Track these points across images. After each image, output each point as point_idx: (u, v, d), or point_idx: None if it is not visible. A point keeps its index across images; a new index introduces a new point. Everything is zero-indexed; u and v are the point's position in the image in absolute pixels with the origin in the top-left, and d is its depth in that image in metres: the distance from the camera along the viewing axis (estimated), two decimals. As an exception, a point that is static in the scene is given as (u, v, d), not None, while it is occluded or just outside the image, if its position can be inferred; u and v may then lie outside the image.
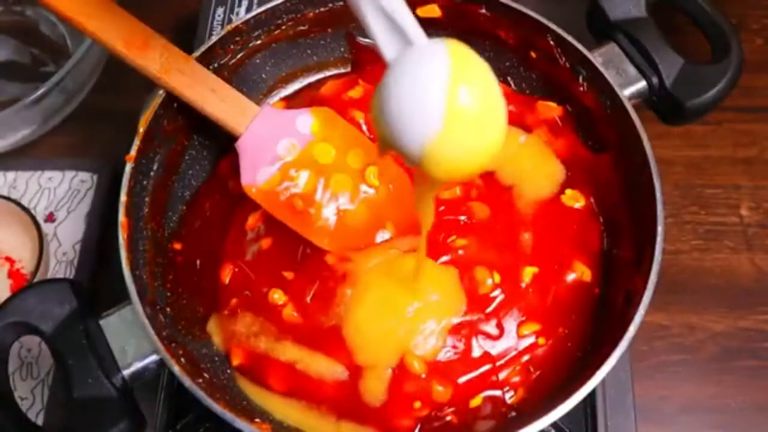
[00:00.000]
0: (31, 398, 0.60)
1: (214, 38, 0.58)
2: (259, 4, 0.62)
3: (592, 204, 0.57)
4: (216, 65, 0.59)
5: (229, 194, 0.59)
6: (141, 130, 0.54)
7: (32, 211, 0.64)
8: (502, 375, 0.51)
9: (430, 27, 0.62)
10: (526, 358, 0.51)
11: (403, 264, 0.52)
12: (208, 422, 0.55)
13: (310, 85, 0.66)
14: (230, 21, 0.73)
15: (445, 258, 0.53)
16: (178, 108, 0.56)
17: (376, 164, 0.56)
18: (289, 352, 0.51)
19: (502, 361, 0.51)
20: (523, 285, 0.52)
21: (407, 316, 0.50)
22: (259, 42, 0.61)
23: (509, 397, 0.51)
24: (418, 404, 0.50)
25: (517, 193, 0.57)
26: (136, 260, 0.52)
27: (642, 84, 0.57)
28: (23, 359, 0.62)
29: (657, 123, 0.59)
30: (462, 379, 0.50)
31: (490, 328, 0.51)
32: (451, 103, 0.34)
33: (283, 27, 0.62)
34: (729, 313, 0.63)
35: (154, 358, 0.48)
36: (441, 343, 0.50)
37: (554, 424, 0.47)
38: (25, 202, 0.67)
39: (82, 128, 0.74)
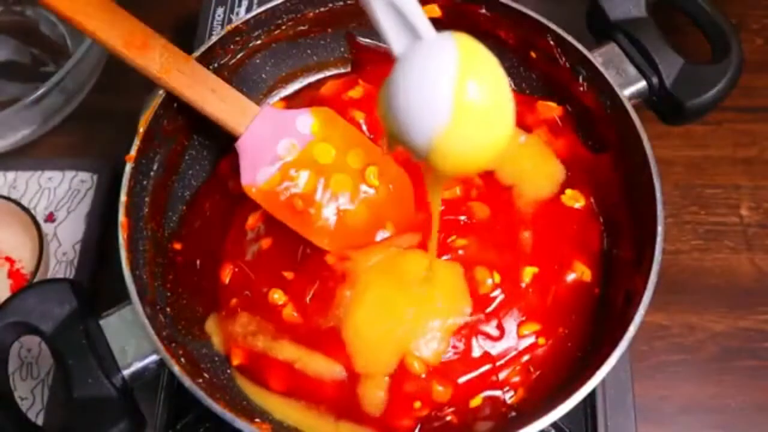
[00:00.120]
0: (31, 398, 0.60)
1: (214, 38, 0.58)
2: (259, 4, 0.62)
3: (592, 204, 0.57)
4: (216, 65, 0.59)
5: (229, 194, 0.59)
6: (141, 130, 0.54)
7: (32, 211, 0.64)
8: (502, 375, 0.51)
9: (430, 27, 0.63)
10: (526, 358, 0.51)
11: (404, 262, 0.52)
12: (208, 422, 0.55)
13: (310, 85, 0.66)
14: (230, 21, 0.73)
15: (445, 258, 0.53)
16: (178, 108, 0.57)
17: (376, 164, 0.56)
18: (287, 351, 0.51)
19: (502, 361, 0.51)
20: (523, 285, 0.52)
21: (408, 317, 0.50)
22: (259, 42, 0.61)
23: (509, 397, 0.51)
24: (418, 404, 0.50)
25: (517, 193, 0.57)
26: (136, 260, 0.52)
27: (642, 84, 0.57)
28: (23, 359, 0.62)
29: (657, 123, 0.59)
30: (462, 379, 0.50)
31: (491, 328, 0.51)
32: (459, 96, 0.34)
33: (283, 27, 0.62)
34: (729, 313, 0.63)
35: (154, 358, 0.48)
36: (444, 347, 0.50)
37: (554, 424, 0.47)
38: (25, 202, 0.67)
39: (82, 128, 0.74)
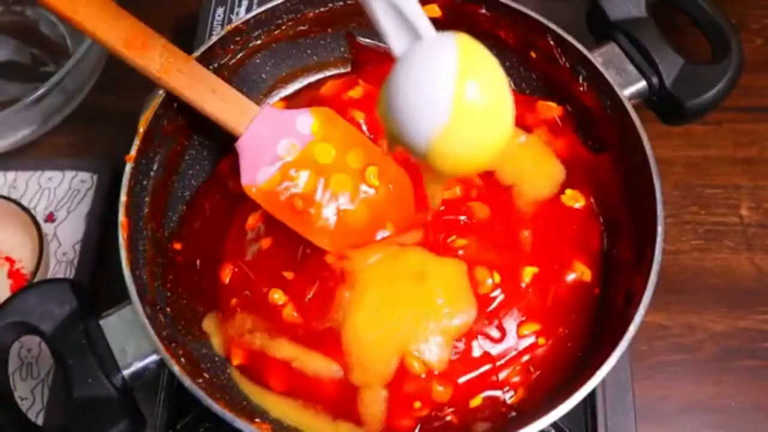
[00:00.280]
0: (31, 398, 0.60)
1: (214, 38, 0.58)
2: (259, 4, 0.62)
3: (592, 204, 0.57)
4: (216, 65, 0.59)
5: (229, 194, 0.59)
6: (141, 130, 0.54)
7: (32, 211, 0.64)
8: (502, 375, 0.51)
9: (430, 27, 0.63)
10: (526, 358, 0.51)
11: (404, 260, 0.52)
12: (208, 422, 0.55)
13: (310, 85, 0.66)
14: (230, 21, 0.73)
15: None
16: (178, 108, 0.57)
17: (376, 164, 0.56)
18: (285, 349, 0.51)
19: (502, 361, 0.51)
20: (523, 285, 0.52)
21: (408, 318, 0.50)
22: (259, 42, 0.61)
23: (509, 397, 0.51)
24: (418, 404, 0.50)
25: (517, 193, 0.57)
26: (136, 260, 0.52)
27: (642, 84, 0.57)
28: (23, 359, 0.62)
29: (657, 123, 0.59)
30: (462, 379, 0.50)
31: (492, 329, 0.51)
32: (459, 96, 0.35)
33: (283, 27, 0.62)
34: (729, 313, 0.63)
35: (154, 358, 0.48)
36: (448, 352, 0.50)
37: (554, 424, 0.47)
38: (25, 202, 0.67)
39: (82, 128, 0.74)
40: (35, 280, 0.62)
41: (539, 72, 0.61)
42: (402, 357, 0.50)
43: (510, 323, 0.51)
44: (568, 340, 0.52)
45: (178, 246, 0.58)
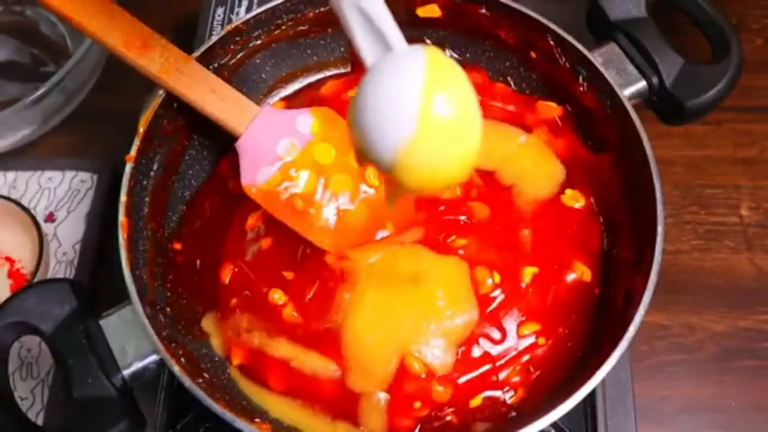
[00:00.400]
0: (31, 398, 0.60)
1: (214, 38, 0.58)
2: (259, 4, 0.62)
3: (592, 204, 0.57)
4: (216, 65, 0.59)
5: (229, 194, 0.59)
6: (141, 130, 0.54)
7: (32, 211, 0.64)
8: (502, 375, 0.51)
9: (430, 27, 0.63)
10: (526, 358, 0.51)
11: (404, 259, 0.52)
12: (208, 422, 0.55)
13: (310, 85, 0.66)
14: (230, 21, 0.73)
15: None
16: (178, 108, 0.57)
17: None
18: (283, 348, 0.51)
19: (502, 361, 0.51)
20: (523, 285, 0.52)
21: (409, 320, 0.50)
22: (259, 42, 0.61)
23: (509, 397, 0.51)
24: (418, 404, 0.50)
25: (517, 193, 0.57)
26: (136, 260, 0.52)
27: (642, 84, 0.57)
28: (23, 359, 0.62)
29: (657, 123, 0.59)
30: (462, 379, 0.50)
31: (491, 329, 0.51)
32: (425, 108, 0.34)
33: (283, 27, 0.62)
34: (729, 313, 0.63)
35: (154, 358, 0.48)
36: (452, 357, 0.50)
37: (554, 424, 0.47)
38: (25, 202, 0.67)
39: (82, 128, 0.74)
40: (35, 280, 0.62)
41: (539, 72, 0.61)
42: (402, 358, 0.50)
43: (510, 323, 0.51)
44: (568, 340, 0.52)
45: (178, 246, 0.58)
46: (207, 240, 0.58)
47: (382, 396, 0.50)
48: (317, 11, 0.62)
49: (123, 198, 0.52)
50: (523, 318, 0.52)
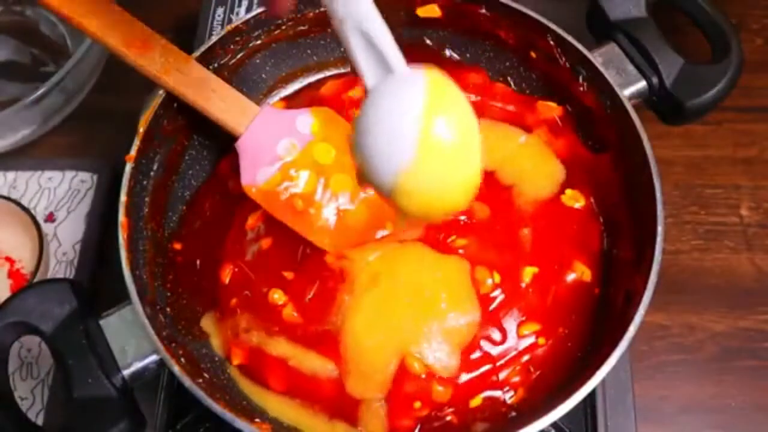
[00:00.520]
0: (31, 398, 0.60)
1: (214, 38, 0.58)
2: (259, 4, 0.62)
3: (592, 204, 0.57)
4: (216, 65, 0.59)
5: (229, 194, 0.59)
6: (141, 130, 0.54)
7: (32, 211, 0.64)
8: (502, 375, 0.51)
9: (430, 27, 0.63)
10: (526, 358, 0.51)
11: (404, 257, 0.52)
12: (208, 422, 0.55)
13: (310, 85, 0.66)
14: (230, 21, 0.73)
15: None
16: (178, 108, 0.57)
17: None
18: (281, 347, 0.51)
19: (502, 361, 0.51)
20: (523, 285, 0.52)
21: (409, 322, 0.50)
22: (259, 42, 0.61)
23: (509, 397, 0.51)
24: (418, 404, 0.50)
25: (517, 193, 0.57)
26: (136, 260, 0.52)
27: (642, 84, 0.57)
28: (23, 359, 0.62)
29: (657, 123, 0.59)
30: (462, 379, 0.50)
31: (492, 330, 0.51)
32: (425, 133, 0.34)
33: (283, 27, 0.62)
34: (729, 313, 0.63)
35: (154, 358, 0.48)
36: (457, 362, 0.50)
37: (554, 424, 0.47)
38: (25, 202, 0.67)
39: (82, 128, 0.74)
40: (35, 280, 0.62)
41: (539, 72, 0.61)
42: (402, 359, 0.50)
43: (510, 323, 0.51)
44: (568, 340, 0.52)
45: (178, 246, 0.58)
46: (207, 240, 0.58)
47: (383, 400, 0.50)
48: (317, 11, 0.62)
49: (123, 198, 0.52)
50: (523, 318, 0.52)
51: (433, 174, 0.35)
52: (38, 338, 0.50)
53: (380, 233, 0.55)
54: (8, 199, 0.64)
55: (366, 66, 0.36)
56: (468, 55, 0.64)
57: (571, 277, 0.54)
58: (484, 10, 0.60)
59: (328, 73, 0.67)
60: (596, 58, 0.56)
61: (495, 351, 0.51)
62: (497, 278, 0.52)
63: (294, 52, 0.65)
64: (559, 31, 0.57)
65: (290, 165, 0.55)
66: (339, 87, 0.62)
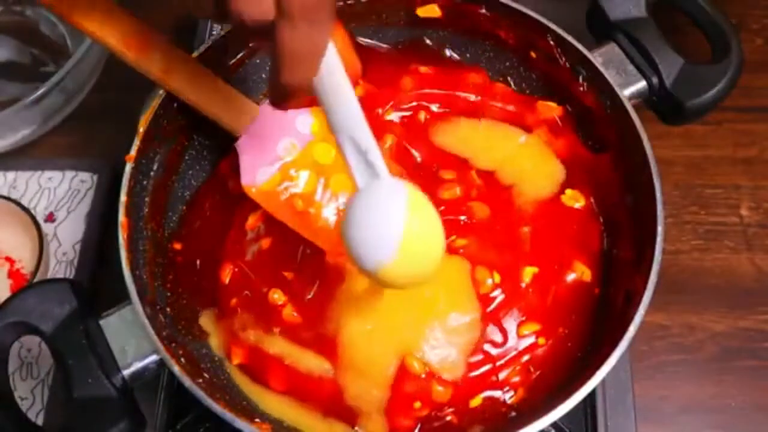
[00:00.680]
0: (31, 398, 0.60)
1: (214, 38, 0.58)
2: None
3: (592, 204, 0.57)
4: (216, 65, 0.59)
5: (229, 194, 0.59)
6: (141, 130, 0.54)
7: (32, 211, 0.64)
8: (502, 375, 0.51)
9: (430, 27, 0.63)
10: (526, 358, 0.51)
11: None
12: (208, 422, 0.55)
13: (309, 85, 0.66)
14: (230, 21, 0.73)
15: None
16: (178, 108, 0.56)
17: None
18: (278, 345, 0.51)
19: (502, 361, 0.51)
20: (523, 285, 0.52)
21: (409, 322, 0.50)
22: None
23: (509, 397, 0.51)
24: (418, 404, 0.50)
25: (517, 193, 0.57)
26: (136, 260, 0.52)
27: (642, 84, 0.57)
28: (23, 359, 0.62)
29: (657, 123, 0.59)
30: (462, 380, 0.50)
31: (492, 331, 0.51)
32: (405, 239, 0.40)
33: (283, 27, 0.62)
34: (729, 313, 0.63)
35: (154, 358, 0.48)
36: (463, 367, 0.50)
37: (554, 424, 0.47)
38: (25, 202, 0.67)
39: (82, 128, 0.74)
40: (35, 280, 0.62)
41: (539, 72, 0.61)
42: (402, 359, 0.50)
43: (510, 323, 0.51)
44: (568, 340, 0.52)
45: (178, 246, 0.58)
46: (207, 240, 0.58)
47: (382, 400, 0.50)
48: (317, 11, 0.62)
49: (123, 198, 0.52)
50: (523, 318, 0.52)
51: (406, 271, 0.42)
52: (38, 338, 0.49)
53: (380, 233, 0.55)
54: (8, 199, 0.64)
55: (356, 169, 0.41)
56: (468, 55, 0.64)
57: (571, 277, 0.54)
58: (484, 10, 0.60)
59: (328, 73, 0.67)
60: (596, 58, 0.56)
61: (495, 351, 0.51)
62: (497, 278, 0.52)
63: (294, 52, 0.65)
64: (559, 31, 0.57)
65: (290, 165, 0.55)
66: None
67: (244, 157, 0.55)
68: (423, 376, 0.49)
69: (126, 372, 0.48)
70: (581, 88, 0.58)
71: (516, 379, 0.51)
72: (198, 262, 0.57)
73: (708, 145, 0.71)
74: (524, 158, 0.59)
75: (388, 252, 0.40)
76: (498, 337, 0.51)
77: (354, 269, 0.52)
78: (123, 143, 0.54)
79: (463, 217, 0.55)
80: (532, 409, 0.48)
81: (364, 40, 0.65)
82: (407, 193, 0.41)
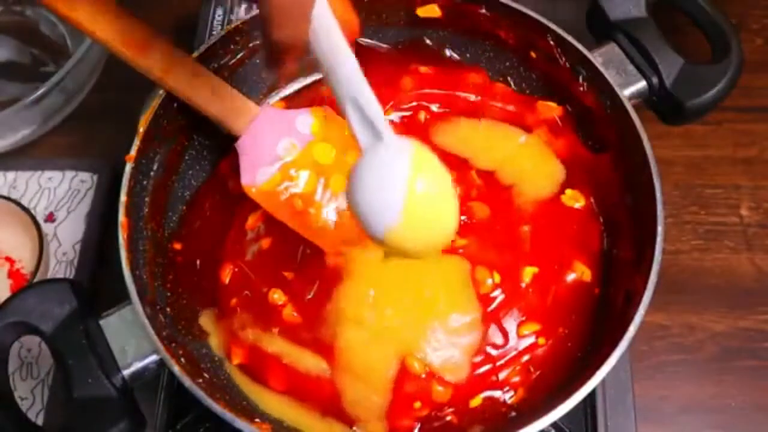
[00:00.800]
0: (31, 398, 0.60)
1: (214, 38, 0.58)
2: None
3: (592, 204, 0.57)
4: (216, 65, 0.59)
5: (229, 194, 0.59)
6: (141, 130, 0.54)
7: (32, 211, 0.64)
8: (502, 375, 0.51)
9: (430, 27, 0.63)
10: (526, 358, 0.51)
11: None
12: (208, 422, 0.55)
13: (310, 85, 0.66)
14: (230, 21, 0.73)
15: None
16: (178, 108, 0.56)
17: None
18: (276, 344, 0.51)
19: (502, 361, 0.51)
20: (523, 285, 0.52)
21: (410, 325, 0.50)
22: (259, 42, 0.61)
23: (509, 397, 0.51)
24: (418, 404, 0.50)
25: (517, 193, 0.57)
26: (136, 260, 0.52)
27: (642, 84, 0.57)
28: (23, 359, 0.62)
29: (657, 123, 0.59)
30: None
31: (493, 331, 0.51)
32: (408, 203, 0.39)
33: (283, 27, 0.62)
34: (729, 313, 0.63)
35: (154, 358, 0.48)
36: (467, 368, 0.50)
37: (554, 424, 0.47)
38: (25, 202, 0.67)
39: (82, 128, 0.74)
40: (35, 280, 0.62)
41: (539, 72, 0.61)
42: (402, 360, 0.50)
43: (510, 323, 0.51)
44: (568, 340, 0.52)
45: (178, 246, 0.58)
46: (207, 240, 0.58)
47: (382, 407, 0.50)
48: (317, 11, 0.62)
49: (123, 198, 0.52)
50: (523, 318, 0.52)
51: (414, 235, 0.40)
52: (38, 338, 0.49)
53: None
54: (8, 199, 0.64)
55: (359, 130, 0.40)
56: (468, 55, 0.64)
57: (571, 277, 0.54)
58: (484, 10, 0.60)
59: (328, 73, 0.67)
60: (596, 58, 0.56)
61: (495, 351, 0.51)
62: (497, 278, 0.52)
63: (294, 52, 0.65)
64: (559, 31, 0.57)
65: (290, 165, 0.55)
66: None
67: (244, 157, 0.55)
68: (423, 376, 0.49)
69: (126, 372, 0.48)
70: (581, 88, 0.58)
71: (516, 379, 0.51)
72: (198, 262, 0.57)
73: (708, 145, 0.71)
74: (524, 158, 0.59)
75: (393, 214, 0.39)
76: (498, 337, 0.51)
77: (354, 269, 0.52)
78: (123, 143, 0.54)
79: (463, 217, 0.55)
80: (532, 409, 0.48)
81: (364, 40, 0.65)
82: (411, 152, 0.40)
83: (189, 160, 0.60)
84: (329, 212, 0.55)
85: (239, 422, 0.45)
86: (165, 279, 0.55)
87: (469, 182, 0.57)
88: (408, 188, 0.39)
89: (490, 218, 0.55)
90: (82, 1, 0.50)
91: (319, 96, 0.62)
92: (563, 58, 0.58)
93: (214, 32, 0.70)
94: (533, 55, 0.60)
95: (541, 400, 0.50)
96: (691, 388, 0.60)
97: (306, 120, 0.56)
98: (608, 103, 0.56)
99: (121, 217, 0.52)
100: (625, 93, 0.56)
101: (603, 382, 0.52)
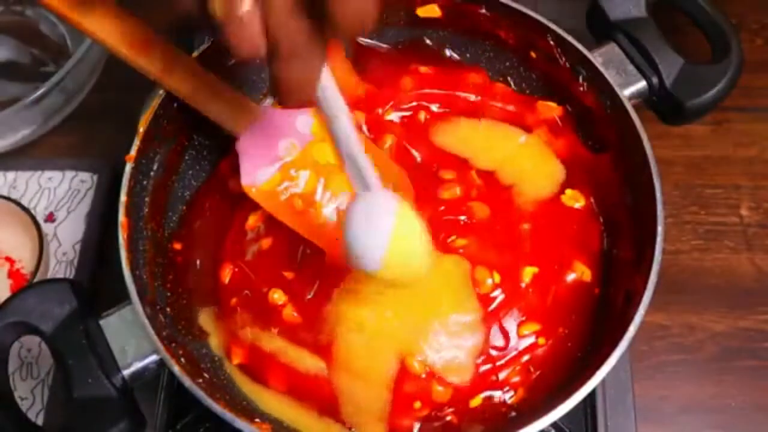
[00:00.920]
0: (31, 398, 0.60)
1: (214, 38, 0.58)
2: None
3: (592, 204, 0.57)
4: (216, 65, 0.59)
5: (229, 194, 0.59)
6: (141, 130, 0.54)
7: (32, 211, 0.64)
8: (502, 375, 0.51)
9: (430, 27, 0.63)
10: (526, 358, 0.51)
11: None
12: (208, 422, 0.55)
13: (310, 86, 0.66)
14: (230, 21, 0.73)
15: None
16: (178, 108, 0.56)
17: (376, 164, 0.55)
18: (274, 342, 0.52)
19: (502, 362, 0.51)
20: (523, 285, 0.52)
21: (410, 326, 0.50)
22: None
23: (509, 397, 0.51)
24: (418, 404, 0.50)
25: (517, 193, 0.57)
26: (136, 260, 0.52)
27: (642, 84, 0.57)
28: (23, 359, 0.62)
29: (657, 123, 0.59)
30: (462, 379, 0.50)
31: (493, 331, 0.51)
32: (391, 253, 0.43)
33: (283, 27, 0.62)
34: (729, 313, 0.63)
35: (154, 358, 0.48)
36: (471, 371, 0.50)
37: (554, 424, 0.47)
38: (25, 202, 0.67)
39: (82, 128, 0.74)
40: (35, 280, 0.62)
41: (539, 72, 0.61)
42: (402, 360, 0.50)
43: (510, 323, 0.51)
44: (568, 340, 0.52)
45: (178, 246, 0.58)
46: (207, 240, 0.58)
47: (382, 401, 0.50)
48: (317, 11, 0.62)
49: (123, 198, 0.52)
50: (523, 318, 0.52)
51: (396, 274, 0.45)
52: (38, 338, 0.49)
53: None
54: (8, 199, 0.64)
55: (353, 178, 0.44)
56: (468, 55, 0.64)
57: (571, 277, 0.54)
58: (484, 10, 0.60)
59: (328, 73, 0.67)
60: (596, 58, 0.56)
61: (495, 351, 0.51)
62: (497, 278, 0.52)
63: (294, 52, 0.64)
64: (559, 31, 0.57)
65: (290, 165, 0.55)
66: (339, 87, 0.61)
67: (244, 157, 0.55)
68: (423, 376, 0.49)
69: (126, 372, 0.48)
70: (581, 88, 0.58)
71: (516, 379, 0.51)
72: (198, 262, 0.57)
73: (708, 145, 0.71)
74: (524, 158, 0.59)
75: (376, 260, 0.43)
76: (500, 339, 0.51)
77: (354, 269, 0.52)
78: (123, 143, 0.54)
79: (463, 217, 0.55)
80: (532, 409, 0.48)
81: (364, 40, 0.65)
82: (395, 207, 0.44)
83: (189, 160, 0.60)
84: (329, 212, 0.55)
85: (239, 422, 0.45)
86: (165, 279, 0.55)
87: (469, 182, 0.57)
88: (391, 240, 0.43)
89: (490, 218, 0.55)
90: (82, 1, 0.50)
91: (319, 96, 0.62)
92: (563, 58, 0.58)
93: (214, 32, 0.70)
94: (533, 55, 0.60)
95: (541, 400, 0.50)
96: (691, 388, 0.60)
97: (306, 120, 0.56)
98: (608, 103, 0.56)
99: (121, 217, 0.52)
100: (625, 93, 0.56)
101: (603, 382, 0.52)
